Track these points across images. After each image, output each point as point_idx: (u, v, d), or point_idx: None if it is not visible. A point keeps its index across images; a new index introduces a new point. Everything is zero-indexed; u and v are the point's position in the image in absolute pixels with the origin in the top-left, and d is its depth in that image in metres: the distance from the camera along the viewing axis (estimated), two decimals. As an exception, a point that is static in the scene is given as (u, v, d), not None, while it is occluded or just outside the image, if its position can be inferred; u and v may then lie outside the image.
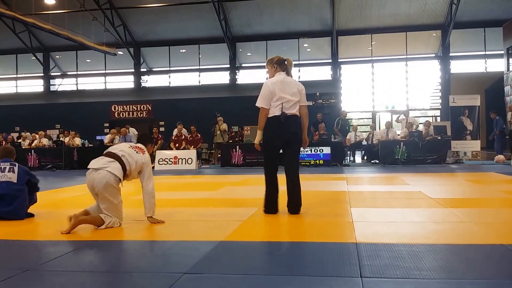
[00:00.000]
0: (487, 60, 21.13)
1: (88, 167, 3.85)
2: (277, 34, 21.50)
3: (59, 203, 5.75)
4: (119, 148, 4.04)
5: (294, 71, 20.97)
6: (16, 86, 25.26)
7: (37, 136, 14.38)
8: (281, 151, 4.36)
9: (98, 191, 3.74)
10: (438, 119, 20.76)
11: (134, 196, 5.99)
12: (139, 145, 4.12)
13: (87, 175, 3.81)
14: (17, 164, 4.60)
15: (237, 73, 22.70)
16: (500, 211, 4.46)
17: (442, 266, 2.55)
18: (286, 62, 4.36)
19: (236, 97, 20.10)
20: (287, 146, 4.25)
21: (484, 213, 4.27)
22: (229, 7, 20.47)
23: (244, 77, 22.80)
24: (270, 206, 4.28)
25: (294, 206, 4.24)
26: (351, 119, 22.76)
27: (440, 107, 21.29)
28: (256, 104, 4.26)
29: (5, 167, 4.51)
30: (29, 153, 13.06)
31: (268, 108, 4.21)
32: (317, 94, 19.91)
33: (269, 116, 4.21)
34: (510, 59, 17.50)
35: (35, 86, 24.92)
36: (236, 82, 22.48)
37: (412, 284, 2.27)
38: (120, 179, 3.79)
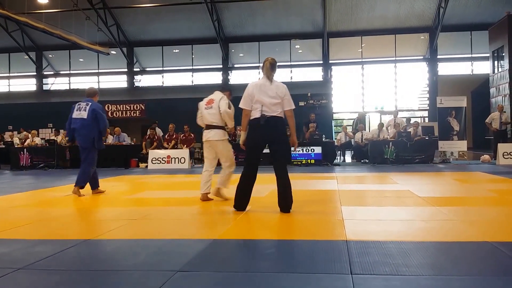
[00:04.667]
0: (474, 63, 21.52)
1: None
2: (269, 35, 21.68)
3: (52, 202, 5.74)
4: None
5: (285, 72, 21.19)
6: (9, 85, 25.17)
7: (29, 135, 14.39)
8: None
9: None
10: (426, 119, 21.20)
11: (127, 196, 6.17)
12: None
13: None
14: (90, 103, 6.06)
15: (230, 74, 22.88)
16: (486, 209, 4.55)
17: (430, 263, 2.62)
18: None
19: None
20: (272, 147, 4.33)
21: (471, 211, 4.36)
22: (222, 8, 20.62)
23: (237, 77, 22.95)
24: (238, 202, 4.42)
25: (285, 204, 4.32)
26: (343, 119, 23.14)
27: (428, 108, 21.70)
28: (239, 105, 4.42)
29: (82, 107, 6.05)
30: (21, 152, 13.04)
31: (249, 109, 4.32)
32: (308, 94, 20.21)
33: (251, 118, 4.33)
34: (496, 62, 17.93)
35: (28, 85, 24.80)
36: (229, 83, 22.65)
37: (401, 280, 2.32)
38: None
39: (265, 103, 4.27)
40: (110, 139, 13.23)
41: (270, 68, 4.37)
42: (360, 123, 13.93)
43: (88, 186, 6.25)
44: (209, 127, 5.24)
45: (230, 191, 5.19)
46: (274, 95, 4.29)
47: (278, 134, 4.32)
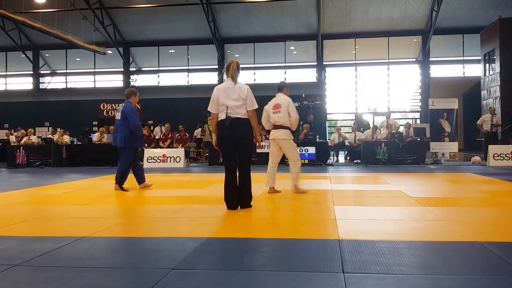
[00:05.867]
0: (465, 65, 21.78)
1: None
2: (264, 36, 21.84)
3: (48, 200, 5.80)
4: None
5: (280, 73, 21.30)
6: (6, 84, 25.20)
7: (26, 133, 14.42)
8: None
9: None
10: (418, 121, 21.39)
11: (122, 194, 6.21)
12: None
13: None
14: (124, 104, 6.44)
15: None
16: (476, 210, 4.60)
17: (420, 262, 2.65)
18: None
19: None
20: (237, 146, 4.57)
21: (461, 212, 4.41)
22: (218, 9, 20.74)
23: (232, 78, 23.12)
24: (227, 202, 4.58)
25: (244, 200, 4.59)
26: (337, 120, 23.28)
27: (420, 109, 21.90)
28: (207, 109, 4.67)
29: (120, 108, 6.43)
30: (18, 150, 13.07)
31: (216, 112, 4.59)
32: (303, 95, 20.36)
33: (219, 119, 4.58)
34: (487, 65, 18.13)
35: (25, 83, 24.84)
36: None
37: (392, 279, 2.34)
38: None
39: (230, 105, 4.50)
40: (105, 138, 13.29)
41: (236, 69, 4.60)
42: (358, 123, 14.12)
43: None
44: (276, 127, 5.84)
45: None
46: (236, 98, 4.51)
47: (241, 135, 4.55)
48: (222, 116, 4.54)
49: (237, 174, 4.64)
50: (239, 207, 4.61)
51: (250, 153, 4.76)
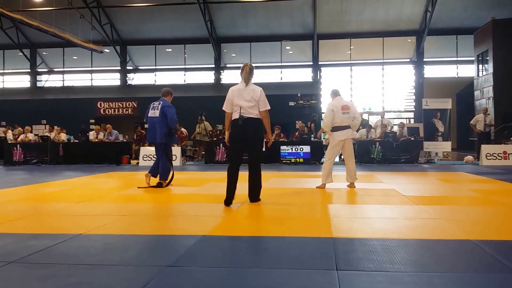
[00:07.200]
0: (459, 66, 22.04)
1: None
2: (260, 36, 21.96)
3: (44, 197, 5.83)
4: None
5: (276, 72, 21.36)
6: (3, 82, 25.24)
7: (23, 130, 14.41)
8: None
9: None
10: (412, 121, 21.54)
11: (118, 192, 6.28)
12: None
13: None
14: (161, 102, 6.53)
15: (222, 73, 23.08)
16: (469, 208, 4.61)
17: (413, 260, 2.68)
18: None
19: (220, 97, 20.00)
20: (248, 144, 4.79)
21: (454, 211, 4.43)
22: (215, 9, 20.83)
23: (229, 77, 23.16)
24: (226, 198, 4.73)
25: (252, 195, 4.89)
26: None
27: (413, 109, 22.09)
28: (222, 108, 4.88)
29: (155, 106, 6.50)
30: (15, 148, 13.05)
31: (230, 112, 4.82)
32: (298, 95, 20.43)
33: (232, 118, 4.80)
34: (480, 65, 18.28)
35: (22, 81, 24.89)
36: (221, 82, 22.87)
37: (385, 276, 2.37)
38: None
39: (243, 106, 4.73)
40: (101, 136, 13.30)
41: (249, 72, 4.80)
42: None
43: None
44: (344, 127, 6.24)
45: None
46: (249, 99, 4.74)
47: (253, 133, 4.76)
48: (235, 116, 4.76)
49: (239, 172, 4.80)
50: (236, 205, 4.71)
51: (261, 152, 4.93)
